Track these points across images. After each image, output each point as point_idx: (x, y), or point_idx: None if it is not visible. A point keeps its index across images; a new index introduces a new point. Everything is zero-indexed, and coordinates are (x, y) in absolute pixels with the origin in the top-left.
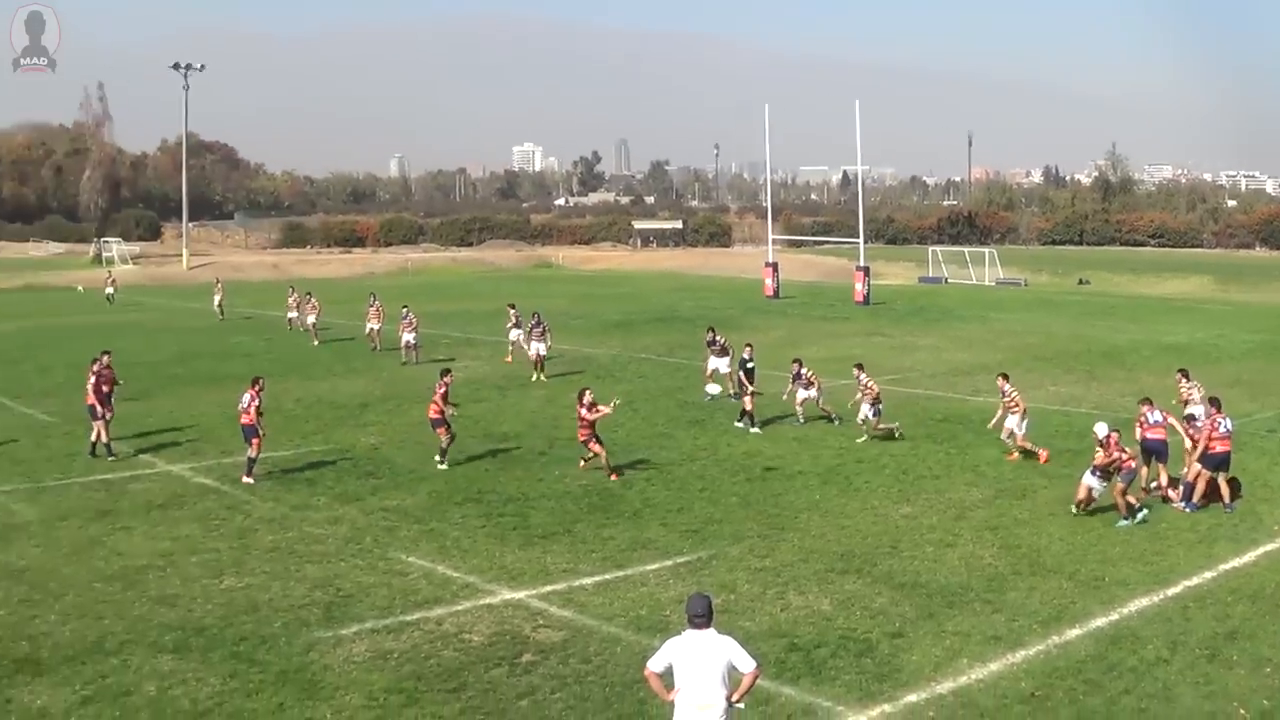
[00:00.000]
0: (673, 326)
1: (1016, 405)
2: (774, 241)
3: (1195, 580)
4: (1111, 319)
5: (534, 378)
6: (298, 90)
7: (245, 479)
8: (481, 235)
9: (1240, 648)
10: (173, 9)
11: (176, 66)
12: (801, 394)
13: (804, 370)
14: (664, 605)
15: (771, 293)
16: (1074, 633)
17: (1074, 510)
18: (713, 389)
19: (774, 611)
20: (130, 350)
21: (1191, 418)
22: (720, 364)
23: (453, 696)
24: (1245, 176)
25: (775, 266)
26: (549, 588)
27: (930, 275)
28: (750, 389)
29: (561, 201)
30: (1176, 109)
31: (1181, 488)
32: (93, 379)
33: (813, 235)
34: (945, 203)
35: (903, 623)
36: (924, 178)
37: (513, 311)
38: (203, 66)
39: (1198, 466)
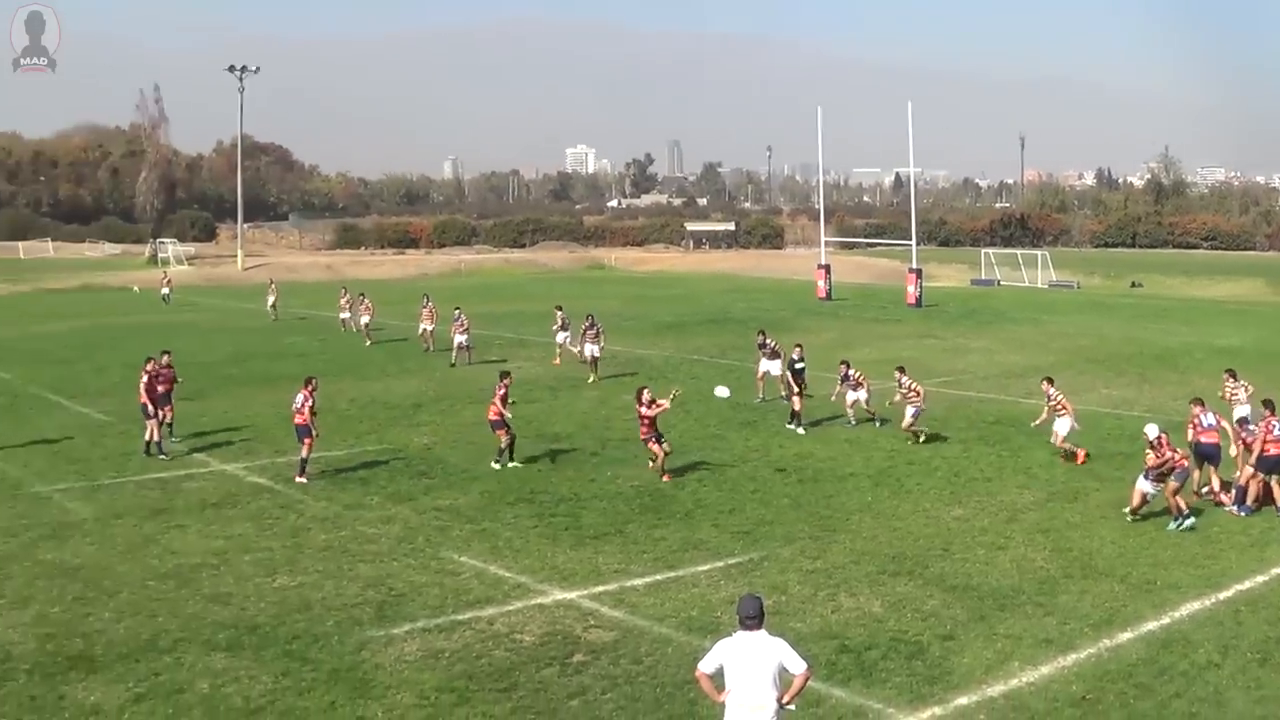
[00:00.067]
0: (725, 328)
1: (1063, 408)
2: (826, 243)
3: (1247, 584)
4: (1164, 322)
5: (589, 379)
6: (352, 93)
7: (298, 478)
8: (534, 237)
9: None
10: (231, 14)
11: (232, 69)
12: (851, 395)
13: (852, 371)
14: (715, 606)
15: (824, 294)
16: (1125, 636)
17: (1128, 516)
18: (722, 391)
19: (825, 613)
20: (185, 350)
21: (1244, 420)
22: (772, 367)
23: (504, 696)
24: None
25: (827, 268)
26: (600, 588)
27: (982, 277)
28: (797, 390)
29: (614, 203)
30: (1229, 111)
31: (1234, 491)
32: (145, 378)
33: (865, 237)
34: (998, 205)
35: (954, 625)
36: (976, 180)
37: (559, 314)
38: (258, 69)
39: (1250, 469)
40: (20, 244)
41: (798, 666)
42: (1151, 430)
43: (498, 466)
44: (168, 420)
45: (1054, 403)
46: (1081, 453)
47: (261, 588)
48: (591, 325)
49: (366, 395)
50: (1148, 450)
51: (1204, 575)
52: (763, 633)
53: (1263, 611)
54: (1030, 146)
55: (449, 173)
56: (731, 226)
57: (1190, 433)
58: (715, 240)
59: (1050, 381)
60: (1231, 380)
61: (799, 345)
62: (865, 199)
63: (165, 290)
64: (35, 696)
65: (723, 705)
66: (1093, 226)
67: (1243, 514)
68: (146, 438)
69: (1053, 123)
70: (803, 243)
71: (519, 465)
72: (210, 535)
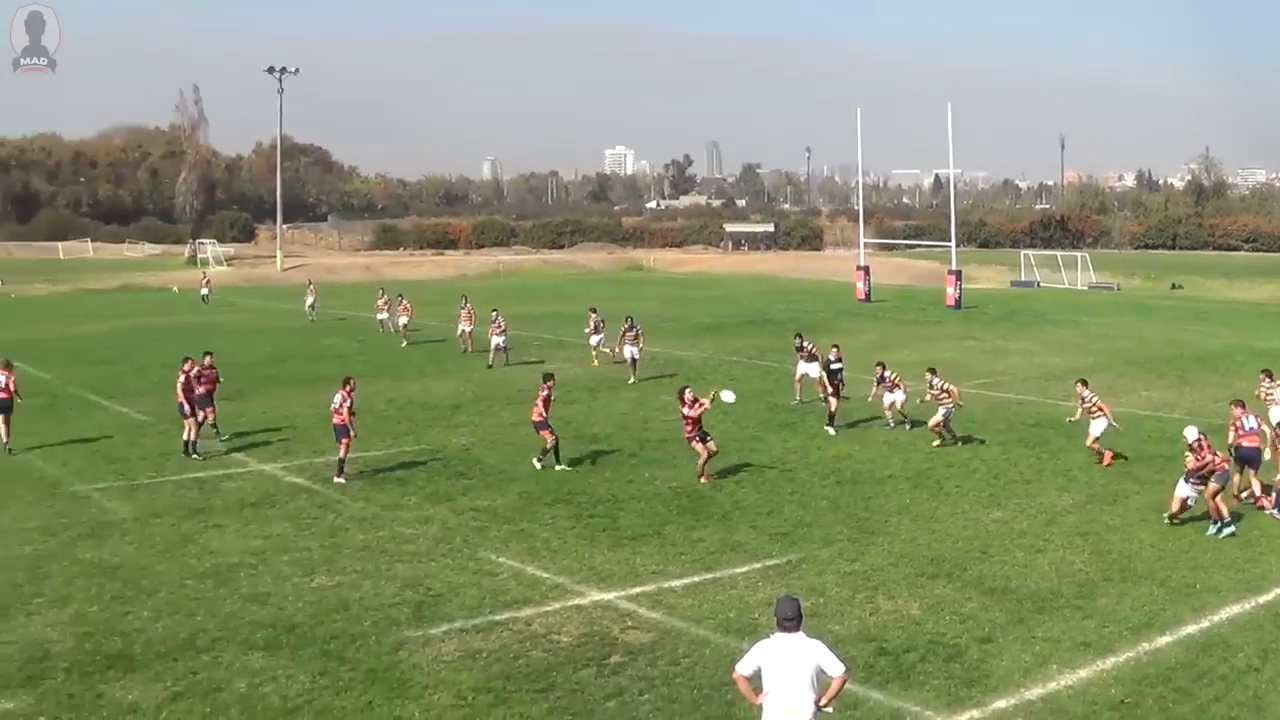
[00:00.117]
0: (764, 329)
1: (1099, 410)
2: (865, 245)
3: None
4: (1204, 324)
5: (629, 380)
6: (391, 94)
7: (336, 479)
8: (573, 238)
9: None
10: (270, 15)
11: (271, 70)
12: (888, 397)
13: (888, 373)
14: (753, 608)
15: (863, 296)
16: (1164, 640)
17: (1167, 520)
18: (727, 396)
19: (863, 615)
20: (225, 351)
21: None
22: (810, 369)
23: (541, 697)
24: None
25: (867, 270)
26: (638, 589)
27: (1022, 279)
28: (830, 390)
29: (653, 204)
30: (1272, 113)
31: (1275, 494)
32: (182, 378)
33: (904, 239)
34: (1037, 206)
35: (992, 628)
36: (1016, 181)
37: (593, 316)
38: (297, 70)
39: None
40: (60, 244)
41: (836, 669)
42: (1191, 433)
43: (539, 465)
44: (211, 421)
45: (1088, 404)
46: (1108, 455)
47: (299, 587)
48: (631, 327)
49: (405, 396)
50: (1187, 453)
51: (1244, 579)
52: (801, 635)
53: None
54: (1070, 148)
55: (488, 174)
56: (770, 228)
57: (1231, 435)
58: (754, 241)
59: (1084, 383)
60: (1268, 380)
61: (835, 346)
62: (905, 200)
63: (204, 291)
64: (73, 695)
65: (760, 707)
66: (1133, 228)
67: None
68: (185, 437)
69: (1093, 124)
70: (842, 244)
71: (566, 468)
72: (248, 535)
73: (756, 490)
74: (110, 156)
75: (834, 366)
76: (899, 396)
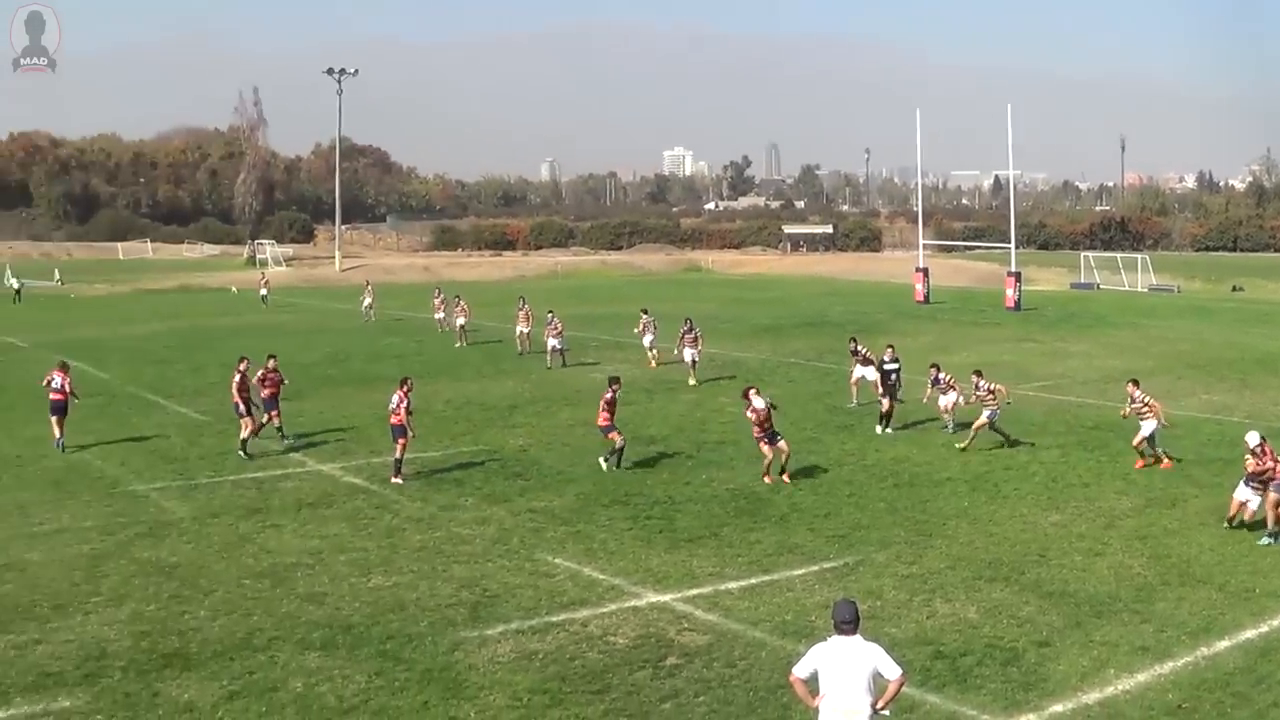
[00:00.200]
0: (822, 331)
1: (1149, 410)
2: (924, 246)
3: None
4: (1266, 326)
5: (690, 381)
6: (450, 95)
7: (394, 479)
8: (631, 239)
9: None
10: (330, 17)
11: (330, 71)
12: (943, 400)
13: (942, 375)
14: (809, 610)
15: (922, 298)
16: (1223, 645)
17: (1226, 524)
18: (759, 402)
19: (920, 619)
20: (283, 351)
21: None
22: (866, 372)
23: (596, 698)
24: None
25: (926, 271)
26: (694, 591)
27: (1082, 281)
28: (882, 391)
29: (711, 206)
30: None
31: None
32: (237, 378)
33: (964, 240)
34: (1097, 208)
35: (1050, 632)
36: (1076, 182)
37: (644, 317)
38: (356, 71)
39: None
40: (119, 245)
41: (893, 672)
42: (1253, 437)
43: (605, 466)
44: (276, 423)
45: (1137, 404)
46: (1140, 462)
47: (356, 587)
48: (690, 329)
49: (462, 396)
50: (1248, 456)
51: None
52: (858, 638)
53: None
54: (1130, 149)
55: (546, 175)
56: (829, 229)
57: None
58: (813, 243)
59: (1135, 383)
60: None
61: (890, 346)
62: (964, 201)
63: (263, 291)
64: (130, 693)
65: (816, 710)
66: (1193, 230)
67: None
68: (242, 436)
69: (1154, 125)
70: (901, 245)
71: (611, 469)
72: (306, 535)
73: (814, 492)
74: (170, 157)
75: (888, 367)
76: (952, 399)
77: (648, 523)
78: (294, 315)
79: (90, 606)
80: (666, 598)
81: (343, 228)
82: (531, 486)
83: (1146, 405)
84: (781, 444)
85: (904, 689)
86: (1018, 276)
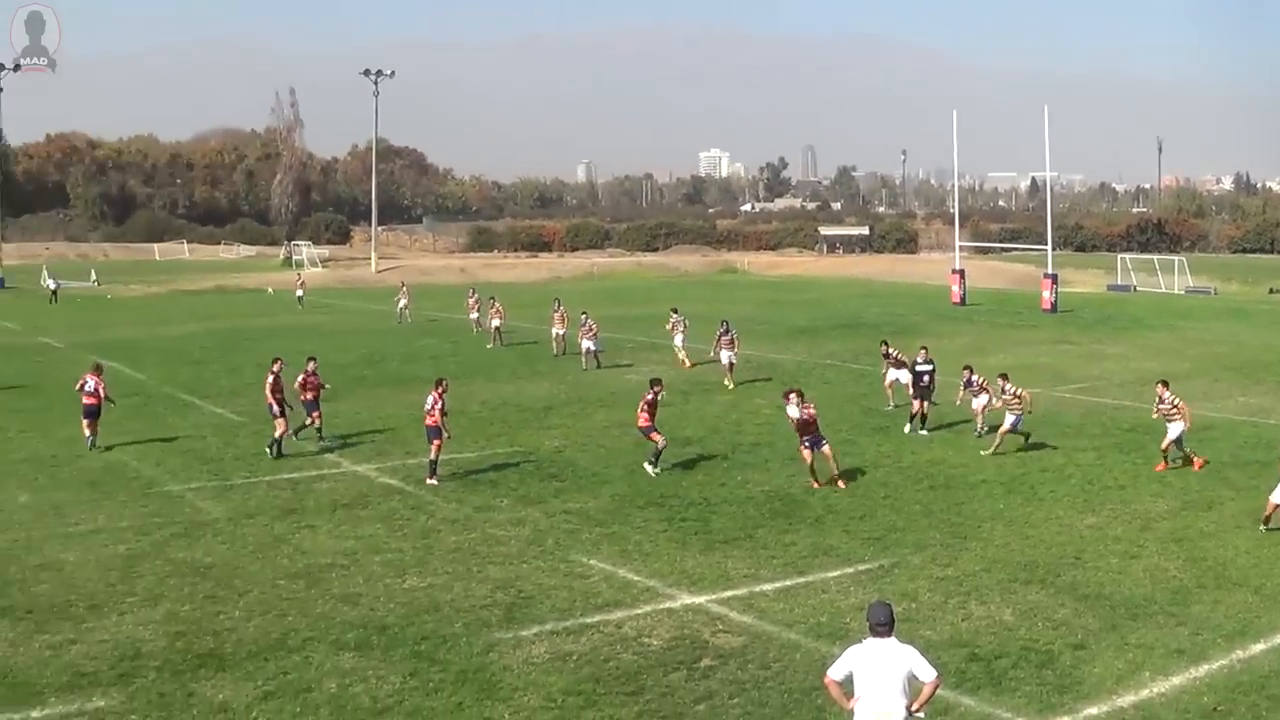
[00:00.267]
0: (858, 333)
1: (1178, 413)
2: (961, 248)
3: None
4: None
5: (727, 384)
6: (487, 97)
7: (429, 480)
8: (667, 240)
9: None
10: (366, 18)
11: (367, 73)
12: (975, 402)
13: (975, 377)
14: (844, 613)
15: (958, 299)
16: (1258, 648)
17: (1263, 527)
18: (793, 411)
19: (955, 621)
20: (319, 352)
21: None
22: (900, 375)
23: (631, 699)
24: None
25: (962, 273)
26: (729, 593)
27: (1119, 283)
28: (914, 392)
29: (748, 207)
30: None
31: None
32: (271, 378)
33: (1000, 242)
34: (1134, 210)
35: (1085, 634)
36: (1113, 184)
37: (674, 316)
38: (393, 73)
39: None
40: (156, 246)
41: (928, 674)
42: None
43: (652, 471)
44: (316, 425)
45: (1165, 406)
46: (1161, 466)
47: (391, 588)
48: (726, 330)
49: (498, 398)
50: None
51: None
52: (893, 640)
53: None
54: (1168, 151)
55: (582, 176)
56: (865, 231)
57: None
58: (849, 244)
59: (1165, 385)
60: None
61: (924, 348)
62: (1000, 203)
63: (299, 292)
64: (164, 693)
65: (851, 712)
66: (1231, 232)
67: None
68: (276, 436)
69: (1190, 127)
70: (937, 247)
71: (657, 472)
72: (341, 536)
73: (849, 494)
74: (206, 159)
75: (921, 368)
76: (985, 400)
77: (683, 524)
78: (329, 316)
79: (125, 607)
80: (701, 599)
81: (379, 229)
82: (566, 488)
83: (1175, 408)
84: (825, 449)
85: (939, 691)
86: (1054, 278)
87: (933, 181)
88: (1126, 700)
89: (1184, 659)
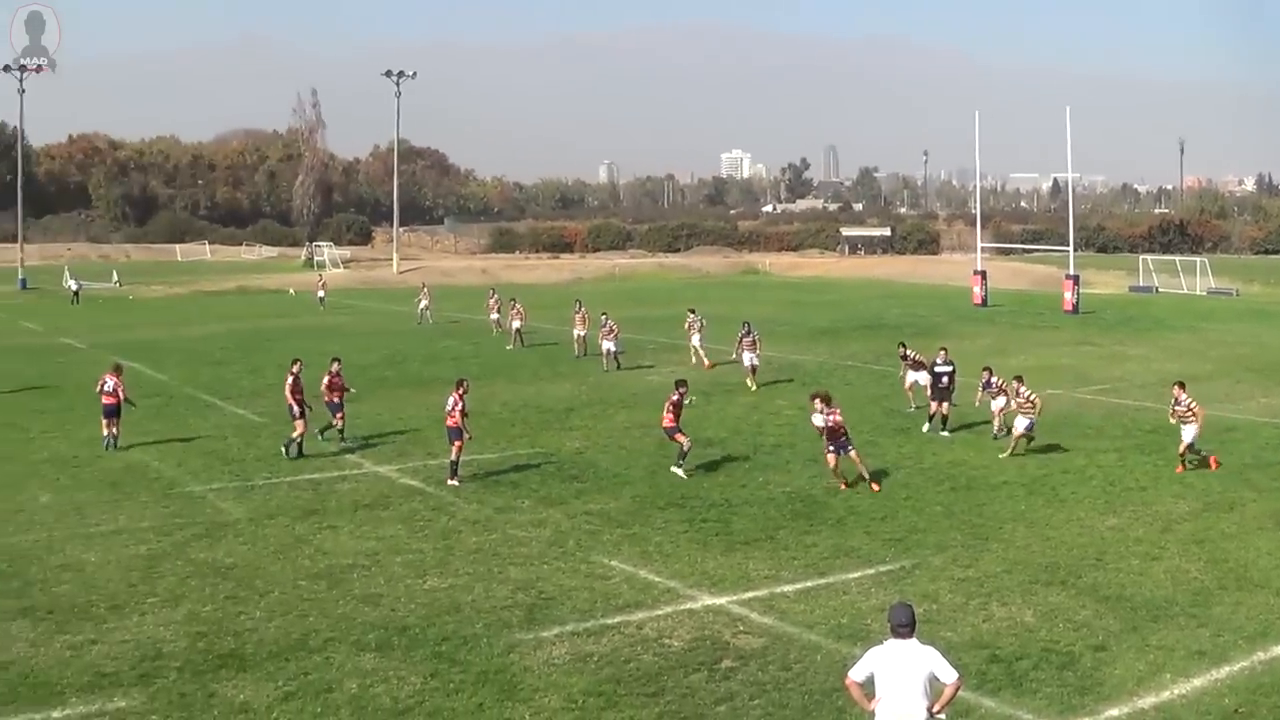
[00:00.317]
0: (879, 334)
1: (1193, 414)
2: (983, 249)
3: None
4: None
5: (749, 385)
6: (508, 98)
7: (450, 481)
8: (689, 241)
9: None
10: (389, 20)
11: (389, 74)
12: (994, 404)
13: (994, 379)
14: (865, 614)
15: (980, 301)
16: None
17: None
18: (818, 419)
19: (976, 622)
20: (340, 353)
21: None
22: (919, 376)
23: (651, 701)
24: None
25: (984, 274)
26: (750, 594)
27: (1140, 284)
28: (933, 394)
29: (769, 208)
30: None
31: None
32: (290, 379)
33: (1022, 243)
34: (1156, 211)
35: (1106, 636)
36: (1135, 185)
37: (691, 315)
38: (415, 74)
39: None
40: (177, 246)
41: (949, 676)
42: None
43: (682, 474)
44: (339, 426)
45: (1181, 408)
46: (1180, 468)
47: (412, 589)
48: (748, 332)
49: (519, 399)
50: None
51: None
52: (914, 641)
53: None
54: (1190, 152)
55: (604, 177)
56: (887, 232)
57: None
58: (870, 245)
59: (1181, 386)
60: None
61: (943, 349)
62: (1022, 204)
63: (320, 293)
64: (185, 694)
65: (872, 714)
66: (1253, 233)
67: None
68: (294, 437)
69: (1213, 128)
70: (959, 248)
71: (684, 475)
72: (362, 536)
73: (871, 495)
74: (228, 159)
75: (940, 369)
76: (1004, 402)
77: (704, 525)
78: (351, 317)
79: (146, 607)
80: (722, 600)
81: (400, 230)
82: (587, 489)
83: (1190, 410)
84: (853, 454)
85: (960, 693)
86: (1076, 279)
87: (955, 182)
88: (1148, 702)
89: (1205, 661)
